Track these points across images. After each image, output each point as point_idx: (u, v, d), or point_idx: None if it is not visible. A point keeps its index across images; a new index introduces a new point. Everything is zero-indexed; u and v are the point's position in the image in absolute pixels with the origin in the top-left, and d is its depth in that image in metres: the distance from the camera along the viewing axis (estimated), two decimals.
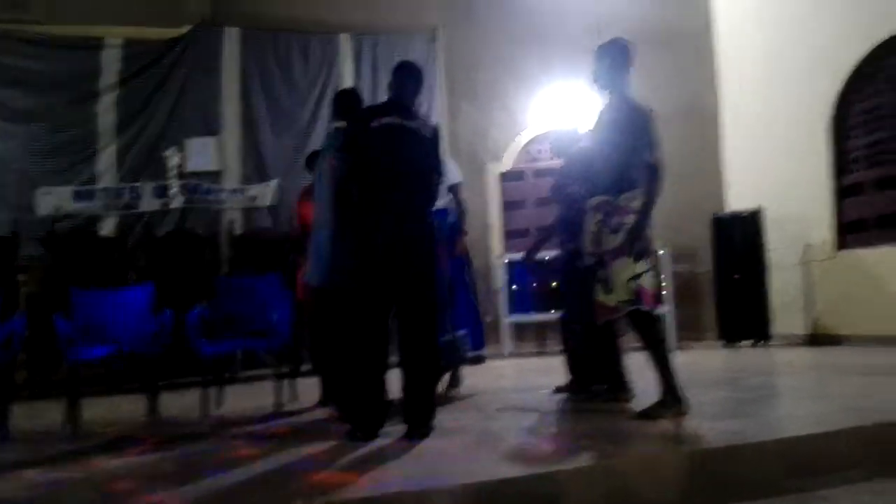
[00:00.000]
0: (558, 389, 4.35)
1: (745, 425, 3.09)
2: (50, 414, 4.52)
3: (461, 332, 4.48)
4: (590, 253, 3.66)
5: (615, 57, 3.66)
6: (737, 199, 7.82)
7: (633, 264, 3.43)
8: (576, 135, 4.56)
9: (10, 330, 4.16)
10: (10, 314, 4.41)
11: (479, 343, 4.67)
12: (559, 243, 4.42)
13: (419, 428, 3.25)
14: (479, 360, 4.73)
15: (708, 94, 8.26)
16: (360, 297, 3.31)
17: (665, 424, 3.24)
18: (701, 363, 6.03)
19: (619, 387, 3.97)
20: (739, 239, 7.21)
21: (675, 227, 7.73)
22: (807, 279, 7.11)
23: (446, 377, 4.59)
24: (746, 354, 6.46)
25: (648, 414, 3.39)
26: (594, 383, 4.16)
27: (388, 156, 3.33)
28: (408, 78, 3.57)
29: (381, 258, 3.26)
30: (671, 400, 3.40)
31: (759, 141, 7.62)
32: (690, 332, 7.76)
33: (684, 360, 6.29)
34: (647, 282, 3.46)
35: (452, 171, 4.54)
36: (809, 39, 6.94)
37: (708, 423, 3.19)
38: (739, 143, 8.00)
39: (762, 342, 7.02)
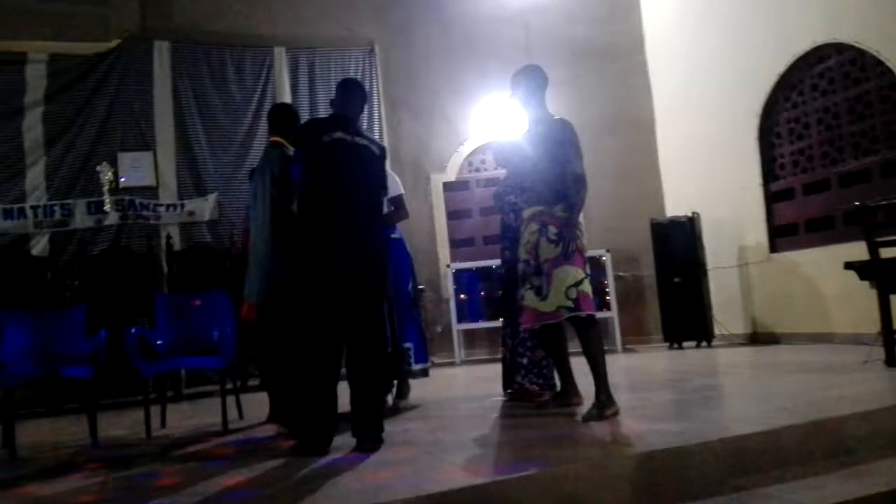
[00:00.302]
0: (506, 396, 4.42)
1: (689, 426, 3.16)
2: None
3: (406, 345, 4.52)
4: (524, 260, 3.79)
5: (529, 82, 3.89)
6: (674, 205, 8.07)
7: (574, 271, 3.57)
8: (517, 144, 4.62)
9: None
10: None
11: (422, 357, 4.68)
12: (500, 251, 4.51)
13: (369, 440, 3.22)
14: (424, 373, 4.73)
15: (644, 105, 8.51)
16: (309, 311, 3.28)
17: (611, 428, 3.30)
18: (646, 365, 6.17)
19: (567, 391, 4.03)
20: (678, 243, 7.42)
21: (617, 233, 7.96)
22: (744, 281, 7.38)
23: (393, 389, 4.59)
24: (690, 355, 6.62)
25: (592, 416, 3.50)
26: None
27: (340, 172, 3.32)
28: (351, 94, 3.58)
29: (335, 274, 3.23)
30: (606, 401, 3.54)
31: (693, 149, 7.88)
32: (635, 334, 7.95)
33: (630, 363, 6.44)
34: (586, 288, 3.62)
35: (395, 184, 4.54)
36: (737, 50, 7.22)
37: (653, 425, 3.27)
38: (675, 151, 8.26)
39: (704, 343, 7.22)
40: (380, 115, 8.20)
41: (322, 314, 3.26)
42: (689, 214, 7.46)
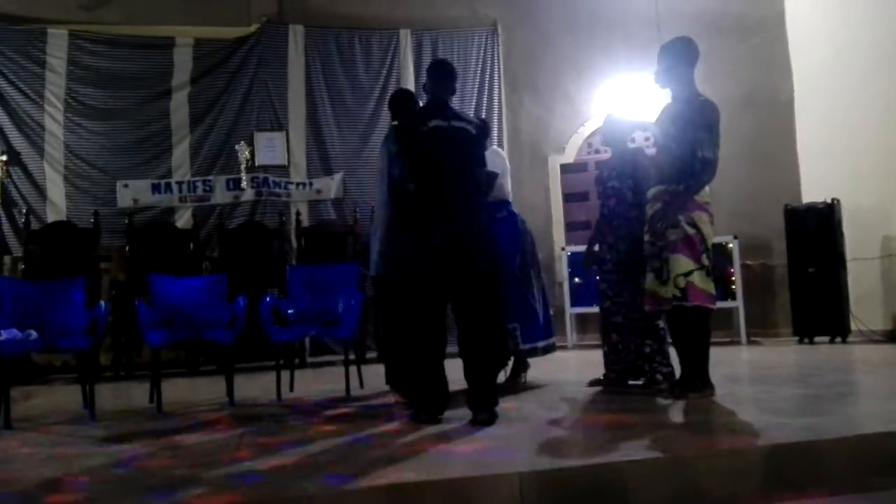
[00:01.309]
0: (592, 383, 4.34)
1: (820, 421, 3.01)
2: (134, 394, 4.76)
3: (511, 326, 4.48)
4: (649, 241, 3.77)
5: (676, 55, 3.77)
6: (812, 190, 7.56)
7: (684, 260, 3.58)
8: (627, 126, 4.51)
9: (95, 316, 4.39)
10: (94, 301, 4.65)
11: (534, 335, 4.63)
12: (599, 236, 4.43)
13: (482, 412, 3.29)
14: (548, 349, 4.71)
15: (782, 83, 8.00)
16: (417, 287, 3.44)
17: (737, 418, 3.20)
18: (774, 359, 5.89)
19: (662, 378, 3.97)
20: (814, 231, 6.96)
21: (747, 218, 7.56)
22: (886, 273, 6.84)
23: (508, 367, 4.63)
24: (822, 351, 6.25)
25: (676, 394, 3.64)
26: (630, 377, 4.21)
27: (438, 158, 3.43)
28: (441, 77, 3.63)
29: (439, 252, 3.36)
30: (700, 385, 3.65)
31: (834, 131, 7.35)
32: (762, 326, 7.56)
33: (755, 356, 6.17)
34: (697, 279, 3.60)
35: (496, 163, 4.54)
36: (886, 23, 6.66)
37: (781, 419, 3.13)
38: (814, 134, 7.72)
39: (839, 338, 6.77)
40: (500, 96, 8.20)
41: (427, 291, 3.40)
42: (828, 201, 6.98)
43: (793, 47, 8.00)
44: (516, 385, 4.58)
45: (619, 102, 7.80)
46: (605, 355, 4.32)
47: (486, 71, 8.23)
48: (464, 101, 8.09)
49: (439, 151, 3.44)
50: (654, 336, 4.11)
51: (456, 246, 3.36)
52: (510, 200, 4.77)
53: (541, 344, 4.67)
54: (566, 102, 8.17)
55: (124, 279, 6.57)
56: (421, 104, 3.96)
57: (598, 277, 4.54)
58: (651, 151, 4.80)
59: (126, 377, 6.09)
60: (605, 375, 4.31)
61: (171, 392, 4.51)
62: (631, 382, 4.21)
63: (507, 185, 4.76)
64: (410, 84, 7.63)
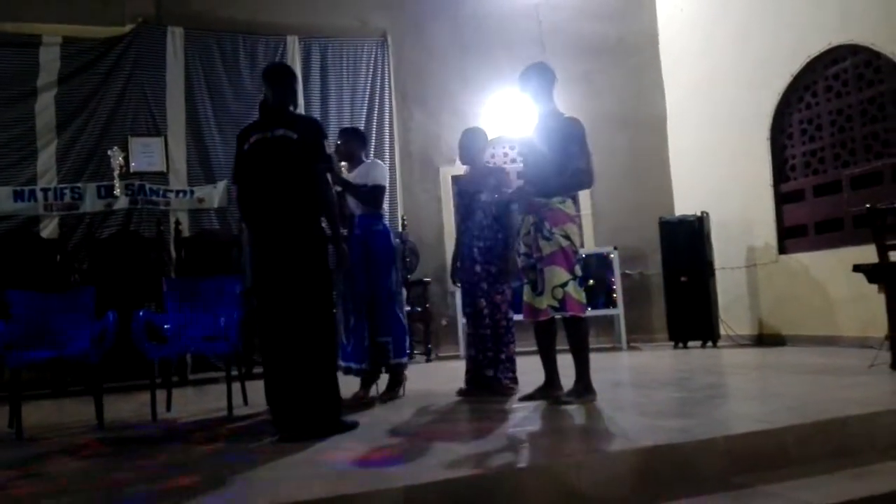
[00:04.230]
0: (461, 393, 4.46)
1: (692, 423, 3.16)
2: None
3: (384, 339, 4.49)
4: (524, 253, 3.98)
5: (538, 78, 4.03)
6: (683, 204, 8.04)
7: (559, 272, 3.78)
8: (484, 142, 4.67)
9: None
10: None
11: (405, 348, 4.67)
12: (462, 248, 4.59)
13: (282, 434, 3.30)
14: (402, 366, 4.69)
15: (656, 102, 8.47)
16: (258, 300, 3.54)
17: (612, 422, 3.31)
18: (650, 363, 6.16)
19: (551, 384, 4.07)
20: (686, 242, 7.38)
21: (625, 230, 7.96)
22: (751, 282, 7.35)
23: (382, 380, 4.65)
24: (695, 355, 6.60)
25: (566, 401, 3.79)
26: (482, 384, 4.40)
27: (258, 173, 3.47)
28: (274, 82, 3.59)
29: (260, 265, 3.46)
30: (584, 389, 3.83)
31: (703, 148, 7.85)
32: (641, 332, 7.93)
33: (634, 361, 6.43)
34: (571, 290, 3.80)
35: (374, 174, 4.55)
36: (750, 50, 7.18)
37: (656, 421, 3.27)
38: (685, 150, 8.22)
39: (710, 343, 7.20)
40: (390, 108, 8.19)
41: (261, 304, 3.48)
42: (698, 214, 7.43)
43: (665, 69, 8.49)
44: (393, 397, 4.58)
45: (504, 116, 8.00)
46: (468, 364, 4.52)
47: (375, 82, 8.19)
48: (354, 111, 8.03)
49: (259, 166, 3.47)
50: (507, 345, 4.41)
51: (271, 259, 3.40)
52: (383, 213, 4.74)
53: (405, 359, 4.69)
54: (455, 115, 8.27)
55: None
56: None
57: (462, 289, 4.66)
58: (510, 167, 5.11)
59: None
60: (467, 386, 4.48)
61: (34, 415, 4.19)
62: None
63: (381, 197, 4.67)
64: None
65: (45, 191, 6.92)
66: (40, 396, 5.51)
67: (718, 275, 7.46)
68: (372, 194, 4.49)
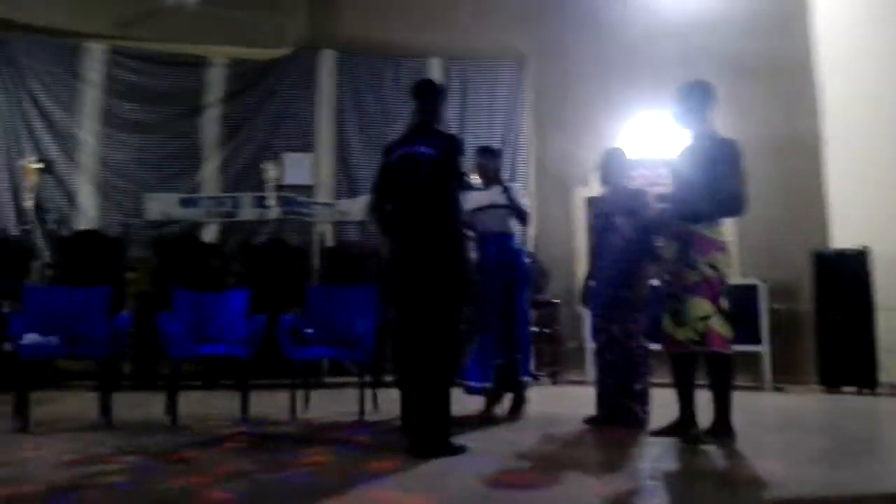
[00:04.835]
0: (588, 420, 4.29)
1: (843, 476, 2.93)
2: (152, 405, 4.79)
3: (518, 356, 4.51)
4: (665, 280, 3.78)
5: (695, 99, 3.81)
6: (841, 236, 7.44)
7: (703, 304, 3.57)
8: (627, 163, 4.53)
9: (116, 326, 4.45)
10: (117, 311, 4.71)
11: (530, 368, 4.69)
12: (596, 271, 4.43)
13: (411, 444, 3.29)
14: (527, 385, 4.69)
15: (810, 127, 7.94)
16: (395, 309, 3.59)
17: (753, 469, 3.13)
18: (798, 407, 5.75)
19: (686, 421, 3.83)
20: (844, 277, 6.83)
21: (773, 262, 7.44)
22: None
23: (507, 399, 4.65)
24: (849, 401, 6.09)
25: (698, 439, 3.57)
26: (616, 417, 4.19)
27: (399, 185, 3.56)
28: (421, 99, 3.69)
29: (396, 274, 3.52)
30: (721, 430, 3.58)
31: (865, 177, 7.26)
32: (788, 373, 7.38)
33: (780, 403, 6.03)
34: (714, 323, 3.57)
35: (519, 196, 4.71)
36: None
37: (802, 470, 3.06)
38: (844, 179, 7.63)
39: (867, 389, 6.59)
40: (526, 127, 8.27)
41: (397, 312, 3.53)
42: (859, 247, 6.87)
43: (821, 90, 7.97)
44: (519, 416, 4.58)
45: (645, 138, 7.83)
46: (598, 393, 4.33)
47: (513, 102, 8.31)
48: (491, 132, 8.16)
49: (399, 180, 3.55)
50: (642, 375, 4.18)
51: (404, 267, 3.45)
52: (513, 234, 4.74)
53: (528, 378, 4.67)
54: (593, 136, 8.18)
55: (150, 290, 6.64)
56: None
57: (592, 314, 4.52)
58: (652, 190, 4.89)
59: (147, 388, 6.13)
60: (597, 414, 4.30)
61: (187, 405, 4.54)
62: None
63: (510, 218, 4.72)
64: (445, 106, 7.71)
65: (207, 199, 7.56)
66: (193, 388, 5.96)
67: (881, 315, 6.83)
68: (525, 213, 4.66)
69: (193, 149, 7.68)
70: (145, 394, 5.69)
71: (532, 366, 4.81)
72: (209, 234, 7.45)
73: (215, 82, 7.80)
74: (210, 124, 7.74)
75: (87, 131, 7.44)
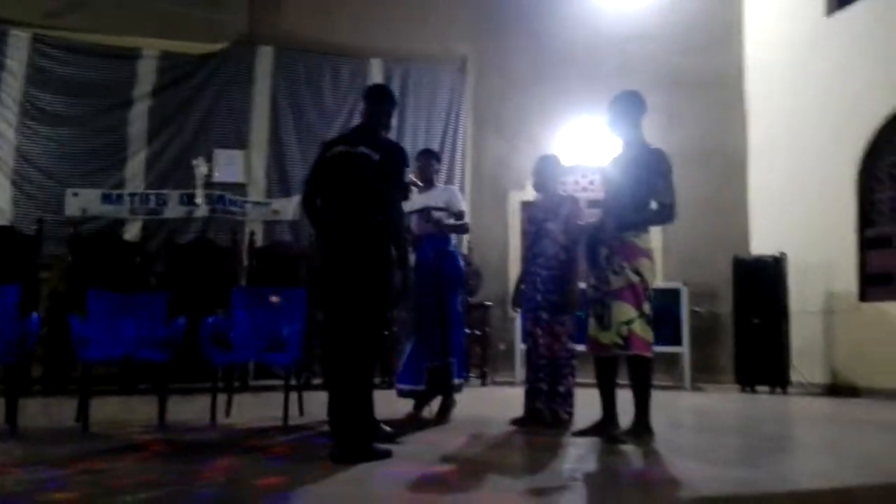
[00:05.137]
0: (515, 421, 4.36)
1: (755, 475, 3.02)
2: (62, 410, 4.57)
3: (451, 360, 4.52)
4: (592, 286, 3.88)
5: (627, 107, 3.90)
6: (761, 244, 7.75)
7: (625, 308, 3.66)
8: (560, 170, 4.59)
9: (26, 327, 4.22)
10: (27, 312, 4.47)
11: (462, 372, 4.72)
12: (528, 275, 4.50)
13: (338, 451, 3.20)
14: (459, 388, 4.71)
15: (737, 138, 8.23)
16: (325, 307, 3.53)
17: (669, 468, 3.20)
18: (714, 406, 5.94)
19: (609, 421, 3.93)
20: (761, 283, 7.11)
21: (696, 266, 7.69)
22: (828, 328, 7.01)
23: (436, 402, 4.64)
24: (762, 400, 6.34)
25: (621, 440, 3.66)
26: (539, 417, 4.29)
27: (332, 184, 3.51)
28: (372, 103, 3.68)
29: (326, 270, 3.44)
30: (642, 430, 3.66)
31: (785, 187, 7.57)
32: (706, 373, 7.65)
33: (697, 403, 6.21)
34: (636, 327, 3.67)
35: (456, 199, 4.75)
36: (840, 90, 6.92)
37: (717, 470, 3.14)
38: (766, 188, 7.94)
39: (779, 389, 6.88)
40: (464, 131, 8.28)
41: (327, 311, 3.48)
42: (776, 254, 7.15)
43: (750, 105, 8.25)
44: (447, 419, 4.57)
45: (580, 145, 7.95)
46: (526, 394, 4.42)
47: (452, 106, 8.31)
48: (430, 134, 8.15)
49: (335, 177, 3.51)
50: (566, 377, 4.29)
51: (334, 274, 3.40)
52: (448, 237, 4.77)
53: (458, 380, 4.68)
54: (530, 142, 8.27)
55: (64, 289, 6.35)
56: None
57: (523, 316, 4.61)
58: (583, 196, 4.99)
59: (56, 392, 5.85)
60: (524, 415, 4.38)
61: (100, 411, 4.35)
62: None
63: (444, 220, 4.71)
64: (393, 114, 7.66)
65: (131, 195, 7.29)
66: (108, 393, 5.72)
67: (793, 319, 7.14)
68: (465, 224, 4.73)
69: (120, 143, 7.40)
70: (56, 399, 5.43)
71: (464, 367, 4.80)
72: (132, 232, 7.18)
73: (145, 75, 7.53)
74: (138, 118, 7.47)
75: (6, 123, 7.07)
